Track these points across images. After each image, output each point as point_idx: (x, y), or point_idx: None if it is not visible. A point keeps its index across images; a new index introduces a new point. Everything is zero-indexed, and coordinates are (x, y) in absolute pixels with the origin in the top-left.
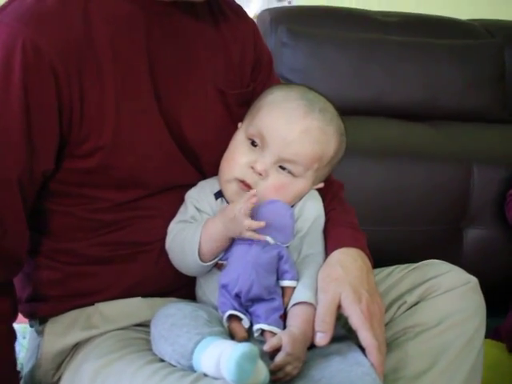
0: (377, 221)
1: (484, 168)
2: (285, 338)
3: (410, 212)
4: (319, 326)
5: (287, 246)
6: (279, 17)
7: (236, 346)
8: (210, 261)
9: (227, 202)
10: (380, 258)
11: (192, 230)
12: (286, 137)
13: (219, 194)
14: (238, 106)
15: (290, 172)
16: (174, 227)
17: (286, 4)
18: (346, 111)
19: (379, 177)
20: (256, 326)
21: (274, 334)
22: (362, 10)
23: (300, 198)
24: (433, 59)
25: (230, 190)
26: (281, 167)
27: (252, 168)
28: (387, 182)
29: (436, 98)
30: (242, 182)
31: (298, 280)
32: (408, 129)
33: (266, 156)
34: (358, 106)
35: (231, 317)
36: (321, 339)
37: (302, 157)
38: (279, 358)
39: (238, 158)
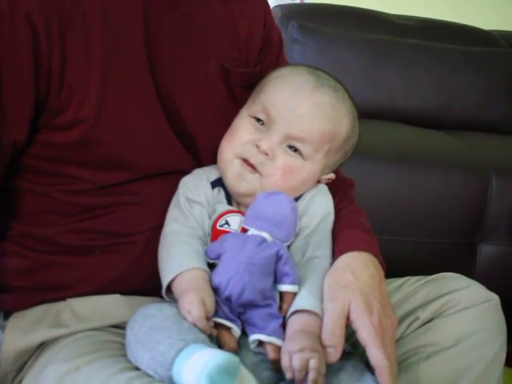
0: (383, 229)
1: (503, 178)
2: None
3: (420, 222)
4: (328, 340)
5: (288, 246)
6: (291, 13)
7: (210, 357)
8: None
9: (225, 192)
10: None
11: (174, 259)
12: (294, 111)
13: (217, 183)
14: (241, 87)
15: (298, 153)
16: (168, 229)
17: (297, 2)
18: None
19: (389, 183)
20: (252, 337)
21: (274, 345)
22: (378, 12)
23: (307, 186)
24: (449, 65)
25: (232, 171)
26: (289, 147)
27: (257, 147)
28: (397, 189)
29: (450, 105)
30: (246, 161)
31: (299, 285)
32: (422, 134)
33: (273, 134)
34: (368, 108)
35: (219, 324)
36: (330, 355)
37: (311, 134)
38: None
39: (241, 136)
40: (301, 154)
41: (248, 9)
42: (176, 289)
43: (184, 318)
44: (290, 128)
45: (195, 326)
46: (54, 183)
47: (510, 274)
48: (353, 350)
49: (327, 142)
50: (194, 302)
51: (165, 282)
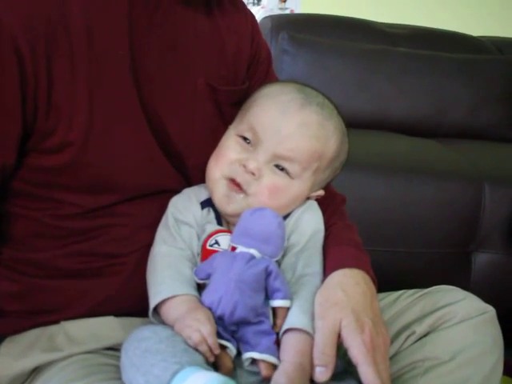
0: (377, 241)
1: (496, 187)
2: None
3: (413, 232)
4: (319, 358)
5: (278, 263)
6: (281, 24)
7: (205, 381)
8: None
9: (215, 212)
10: (379, 281)
11: (162, 283)
12: (281, 131)
13: (206, 204)
14: (229, 104)
15: (286, 172)
16: (155, 250)
17: (287, 12)
18: (348, 123)
19: (382, 194)
20: (246, 355)
21: (267, 362)
22: (368, 21)
23: (295, 204)
24: (440, 73)
25: (219, 191)
26: (276, 166)
27: (244, 167)
28: (390, 200)
29: (443, 113)
30: (232, 180)
31: (291, 300)
32: (414, 144)
33: (260, 153)
34: (360, 118)
35: None
36: (321, 374)
37: (298, 153)
38: None
39: (228, 155)
40: (288, 173)
41: (235, 25)
42: (166, 313)
43: (183, 341)
44: (277, 147)
45: (202, 344)
46: (43, 208)
47: (505, 281)
48: (348, 366)
49: (315, 161)
50: (201, 319)
51: (152, 305)
